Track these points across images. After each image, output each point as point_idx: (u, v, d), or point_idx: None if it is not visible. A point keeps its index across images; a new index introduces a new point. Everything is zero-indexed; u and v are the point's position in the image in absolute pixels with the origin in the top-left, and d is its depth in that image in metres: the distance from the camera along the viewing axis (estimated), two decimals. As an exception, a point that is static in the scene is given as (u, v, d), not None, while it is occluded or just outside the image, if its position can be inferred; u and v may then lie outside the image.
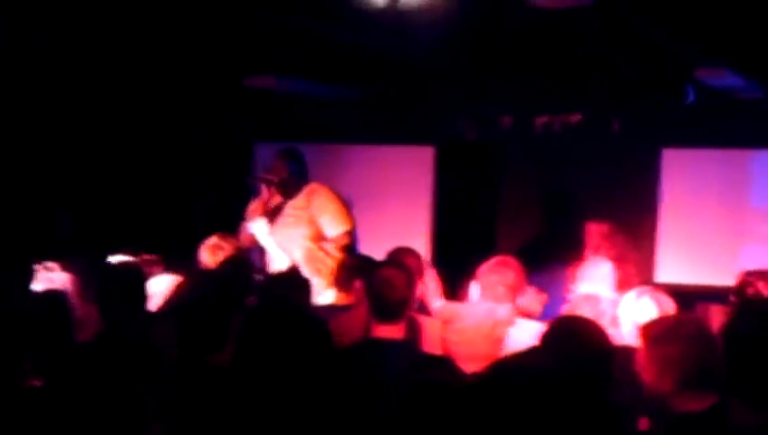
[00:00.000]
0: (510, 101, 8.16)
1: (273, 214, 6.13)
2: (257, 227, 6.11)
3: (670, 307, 4.35)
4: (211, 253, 5.48)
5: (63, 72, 6.90)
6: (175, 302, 4.35)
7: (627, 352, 3.48)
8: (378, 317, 3.88)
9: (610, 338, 3.36)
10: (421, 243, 7.14)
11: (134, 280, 4.24)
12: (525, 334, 4.34)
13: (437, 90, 7.96)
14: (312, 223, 6.01)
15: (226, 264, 5.12)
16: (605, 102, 7.82)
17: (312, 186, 6.15)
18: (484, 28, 5.62)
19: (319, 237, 6.00)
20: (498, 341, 4.49)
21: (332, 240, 6.00)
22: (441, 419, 2.70)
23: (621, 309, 4.46)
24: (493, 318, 4.61)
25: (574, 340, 3.18)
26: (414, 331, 4.27)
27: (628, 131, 7.86)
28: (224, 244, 5.54)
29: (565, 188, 8.09)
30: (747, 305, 4.21)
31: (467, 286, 5.18)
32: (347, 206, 6.14)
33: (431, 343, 4.39)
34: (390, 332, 3.85)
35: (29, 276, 4.86)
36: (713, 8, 5.25)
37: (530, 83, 7.73)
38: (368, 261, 5.02)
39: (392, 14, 3.50)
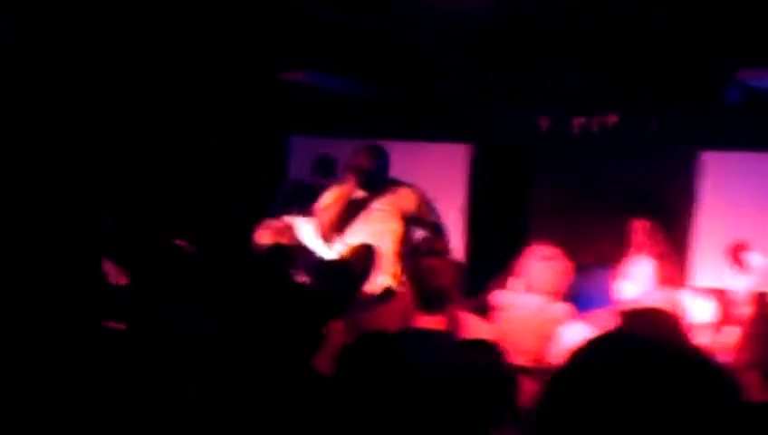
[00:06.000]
0: (547, 102, 8.10)
1: (355, 208, 6.02)
2: (305, 229, 5.99)
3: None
4: (273, 235, 5.42)
5: (103, 75, 6.95)
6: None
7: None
8: (420, 306, 3.77)
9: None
10: (455, 241, 7.08)
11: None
12: (578, 336, 4.20)
13: (476, 89, 7.91)
14: (402, 220, 5.91)
15: (274, 250, 5.12)
16: (643, 103, 7.74)
17: (402, 185, 6.05)
18: (524, 23, 5.56)
19: (406, 234, 5.90)
20: (547, 338, 4.30)
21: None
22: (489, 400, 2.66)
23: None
24: (545, 314, 4.45)
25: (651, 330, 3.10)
26: (455, 326, 4.10)
27: (666, 133, 7.78)
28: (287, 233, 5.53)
29: (601, 188, 8.01)
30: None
31: (499, 284, 5.11)
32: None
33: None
34: (432, 323, 3.73)
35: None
36: (757, 7, 5.17)
37: (567, 84, 7.67)
38: (412, 250, 4.96)
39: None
